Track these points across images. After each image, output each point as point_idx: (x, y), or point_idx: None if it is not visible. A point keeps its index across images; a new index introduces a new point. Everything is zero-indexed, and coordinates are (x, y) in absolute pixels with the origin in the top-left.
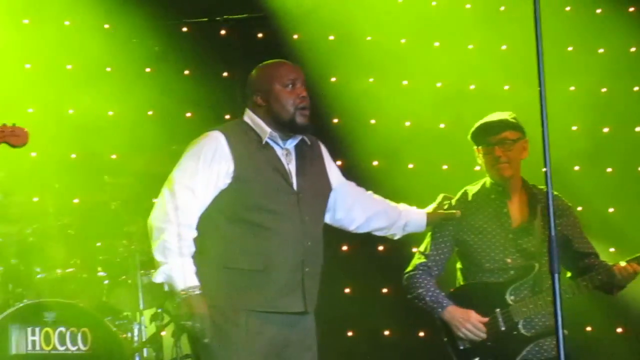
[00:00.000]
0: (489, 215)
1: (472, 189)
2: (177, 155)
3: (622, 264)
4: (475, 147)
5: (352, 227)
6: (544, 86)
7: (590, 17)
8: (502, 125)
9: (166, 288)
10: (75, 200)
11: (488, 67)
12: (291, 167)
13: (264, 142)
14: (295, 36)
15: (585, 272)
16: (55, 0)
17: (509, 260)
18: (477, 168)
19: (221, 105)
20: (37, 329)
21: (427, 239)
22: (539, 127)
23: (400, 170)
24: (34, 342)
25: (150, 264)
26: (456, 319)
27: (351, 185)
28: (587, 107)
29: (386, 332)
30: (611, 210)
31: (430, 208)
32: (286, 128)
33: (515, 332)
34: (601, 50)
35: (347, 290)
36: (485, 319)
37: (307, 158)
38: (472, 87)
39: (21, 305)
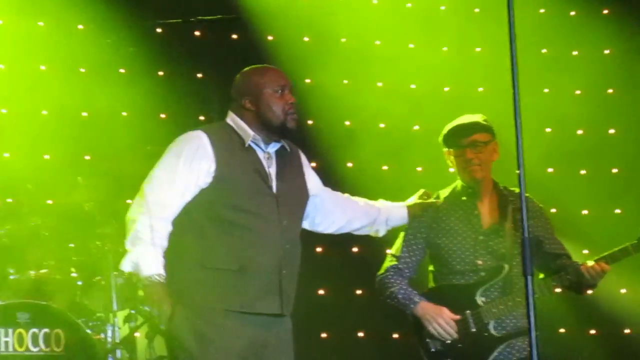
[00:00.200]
0: (459, 218)
1: (444, 192)
2: (151, 156)
3: (590, 263)
4: (446, 150)
5: (332, 229)
6: (517, 88)
7: (564, 19)
8: (473, 127)
9: (130, 269)
10: (49, 202)
11: (462, 69)
12: (272, 170)
13: (246, 145)
14: (270, 37)
15: (557, 273)
16: (29, 0)
17: (479, 262)
18: (452, 170)
19: (195, 106)
20: (10, 330)
21: (399, 241)
22: (513, 129)
23: (374, 172)
24: (7, 343)
25: None
26: (429, 313)
27: (329, 191)
28: (561, 109)
29: (360, 334)
30: (585, 212)
31: (410, 201)
32: (275, 132)
33: (486, 333)
34: (575, 53)
35: (321, 292)
36: (458, 317)
37: (287, 164)
38: (446, 89)
39: None
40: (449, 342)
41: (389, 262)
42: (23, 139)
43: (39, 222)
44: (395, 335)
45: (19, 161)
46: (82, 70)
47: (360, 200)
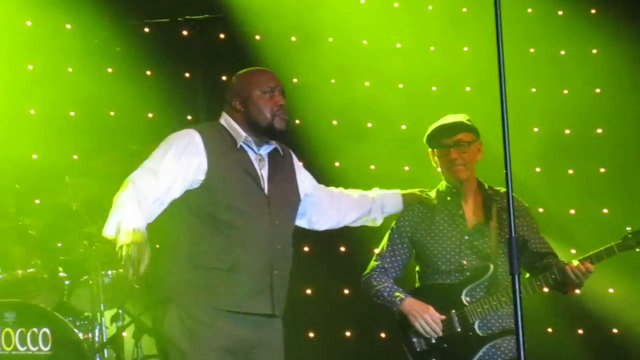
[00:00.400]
0: (444, 218)
1: (430, 193)
2: (138, 155)
3: (575, 262)
4: (430, 150)
5: (329, 225)
6: (504, 87)
7: (551, 18)
8: (457, 127)
9: (112, 231)
10: (36, 201)
11: (450, 69)
12: (263, 172)
13: (238, 146)
14: (257, 37)
15: (542, 272)
16: (16, 0)
17: (464, 262)
18: (440, 169)
19: (183, 105)
20: None
21: (384, 241)
22: (500, 129)
23: (361, 171)
24: None
25: (111, 264)
26: (415, 309)
27: (323, 188)
28: (548, 109)
29: (347, 333)
30: (572, 211)
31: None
32: (264, 133)
33: (470, 333)
34: (563, 52)
35: (308, 291)
36: (443, 317)
37: (279, 166)
38: (434, 88)
39: None
40: (434, 341)
41: (374, 262)
42: (10, 138)
43: (26, 221)
44: (383, 335)
45: (6, 161)
46: (70, 69)
47: (355, 193)
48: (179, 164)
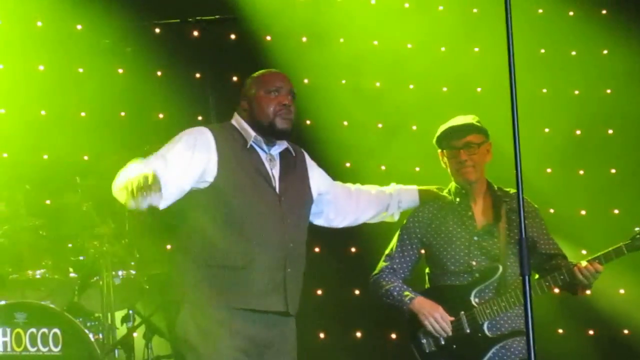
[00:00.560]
0: (453, 219)
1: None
2: (149, 155)
3: (583, 263)
4: (439, 151)
5: (347, 222)
6: (515, 88)
7: (562, 19)
8: (467, 129)
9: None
10: (47, 202)
11: (461, 70)
12: (275, 172)
13: (248, 146)
14: (268, 38)
15: (550, 273)
16: (27, 0)
17: (473, 263)
18: (449, 170)
19: (193, 106)
20: (8, 330)
21: (393, 242)
22: (511, 129)
23: (372, 172)
24: (5, 343)
25: (122, 265)
26: (425, 308)
27: (340, 185)
28: (559, 109)
29: (358, 334)
30: (583, 212)
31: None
32: (267, 133)
33: (480, 334)
34: (573, 53)
35: (319, 292)
36: (452, 319)
37: (290, 166)
38: (444, 89)
39: None
40: (443, 342)
41: (383, 263)
42: (21, 139)
43: (37, 222)
44: (393, 335)
45: (17, 161)
46: (80, 70)
47: (372, 188)
48: (188, 155)
